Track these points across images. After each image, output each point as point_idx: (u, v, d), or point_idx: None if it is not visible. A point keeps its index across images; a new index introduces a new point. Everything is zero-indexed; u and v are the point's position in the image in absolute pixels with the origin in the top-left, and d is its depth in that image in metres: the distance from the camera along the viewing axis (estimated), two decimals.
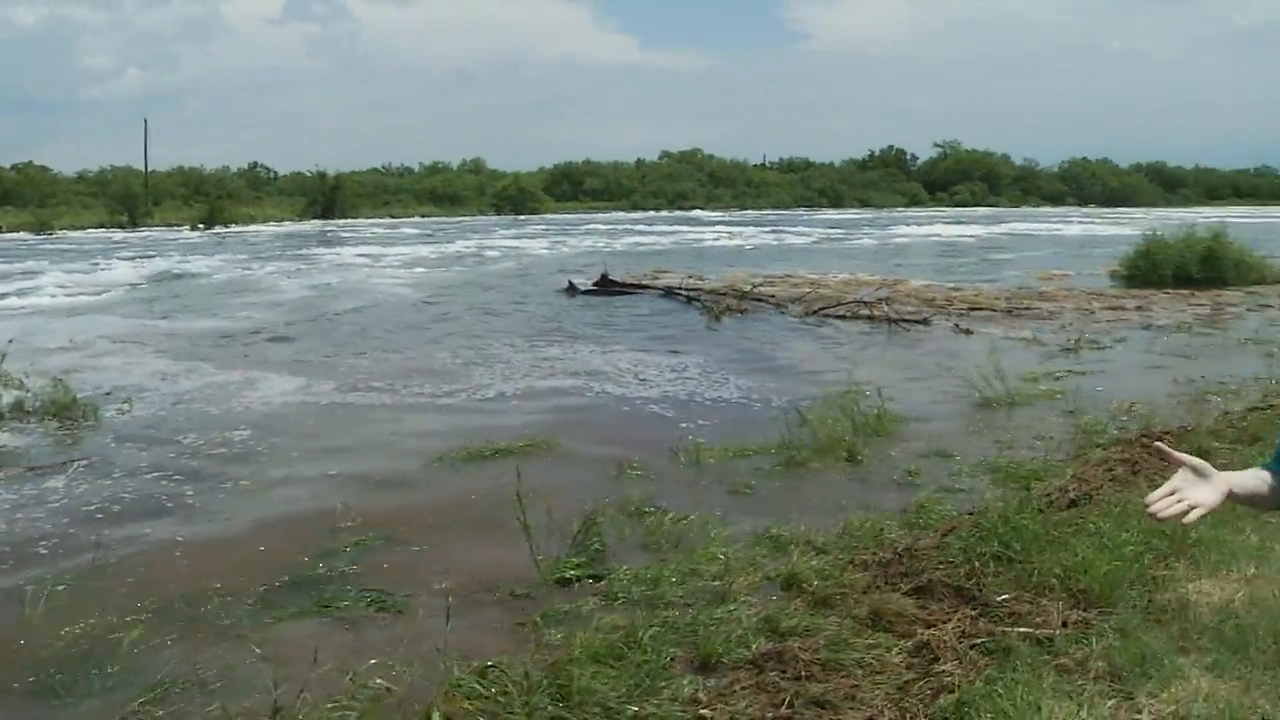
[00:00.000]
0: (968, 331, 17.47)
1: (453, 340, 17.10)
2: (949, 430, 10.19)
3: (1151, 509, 2.08)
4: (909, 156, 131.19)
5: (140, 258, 37.99)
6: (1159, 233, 27.70)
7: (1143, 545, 5.96)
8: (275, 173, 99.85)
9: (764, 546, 6.70)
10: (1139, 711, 4.22)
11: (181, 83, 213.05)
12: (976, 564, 5.78)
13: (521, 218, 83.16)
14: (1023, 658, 4.70)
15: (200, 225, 66.04)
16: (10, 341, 12.15)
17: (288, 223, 72.47)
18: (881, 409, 10.23)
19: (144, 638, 5.52)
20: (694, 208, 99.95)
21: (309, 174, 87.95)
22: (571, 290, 24.28)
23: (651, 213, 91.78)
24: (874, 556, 6.23)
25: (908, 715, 4.35)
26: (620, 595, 5.92)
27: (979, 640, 4.95)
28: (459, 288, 26.83)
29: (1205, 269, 25.52)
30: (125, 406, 11.50)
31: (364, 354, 15.55)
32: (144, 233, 60.64)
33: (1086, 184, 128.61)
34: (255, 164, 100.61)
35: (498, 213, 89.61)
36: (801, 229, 61.03)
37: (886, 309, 19.18)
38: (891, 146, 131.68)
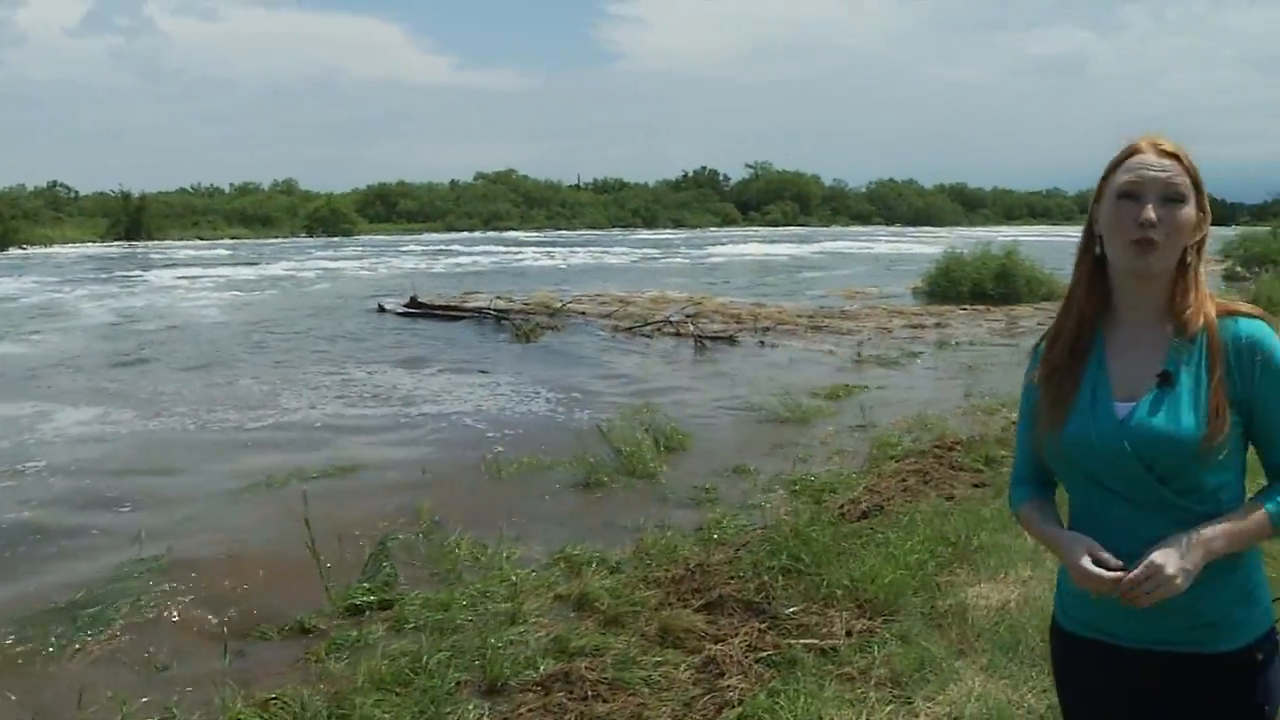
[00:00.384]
0: (773, 346, 17.85)
1: (261, 365, 16.54)
2: (747, 445, 10.33)
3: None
4: (722, 177, 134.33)
5: None
6: (958, 251, 28.90)
7: (928, 553, 6.12)
8: (76, 192, 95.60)
9: (558, 567, 6.65)
10: (916, 715, 4.31)
11: None
12: (766, 578, 5.82)
13: (336, 239, 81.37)
14: (807, 669, 4.74)
15: None
16: None
17: (90, 245, 69.28)
18: (674, 427, 10.32)
19: None
20: (508, 229, 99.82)
21: (113, 194, 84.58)
22: (382, 313, 23.82)
23: (466, 234, 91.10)
24: (667, 573, 6.21)
25: None
26: (410, 620, 5.78)
27: (765, 653, 4.97)
28: (271, 311, 26.01)
29: (1000, 285, 26.81)
30: None
31: (168, 381, 14.86)
32: None
33: (893, 204, 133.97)
34: (55, 183, 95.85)
35: (310, 234, 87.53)
36: (620, 249, 61.63)
37: (693, 326, 19.47)
38: (705, 167, 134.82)
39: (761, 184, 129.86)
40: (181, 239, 77.33)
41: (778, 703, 4.35)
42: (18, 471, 9.57)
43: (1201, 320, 2.04)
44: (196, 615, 6.18)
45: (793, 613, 5.44)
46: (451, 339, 20.00)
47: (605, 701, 4.60)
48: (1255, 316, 2.06)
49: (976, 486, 8.15)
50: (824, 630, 5.21)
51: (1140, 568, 1.96)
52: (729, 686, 4.63)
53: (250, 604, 6.27)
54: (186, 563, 6.98)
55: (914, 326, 21.28)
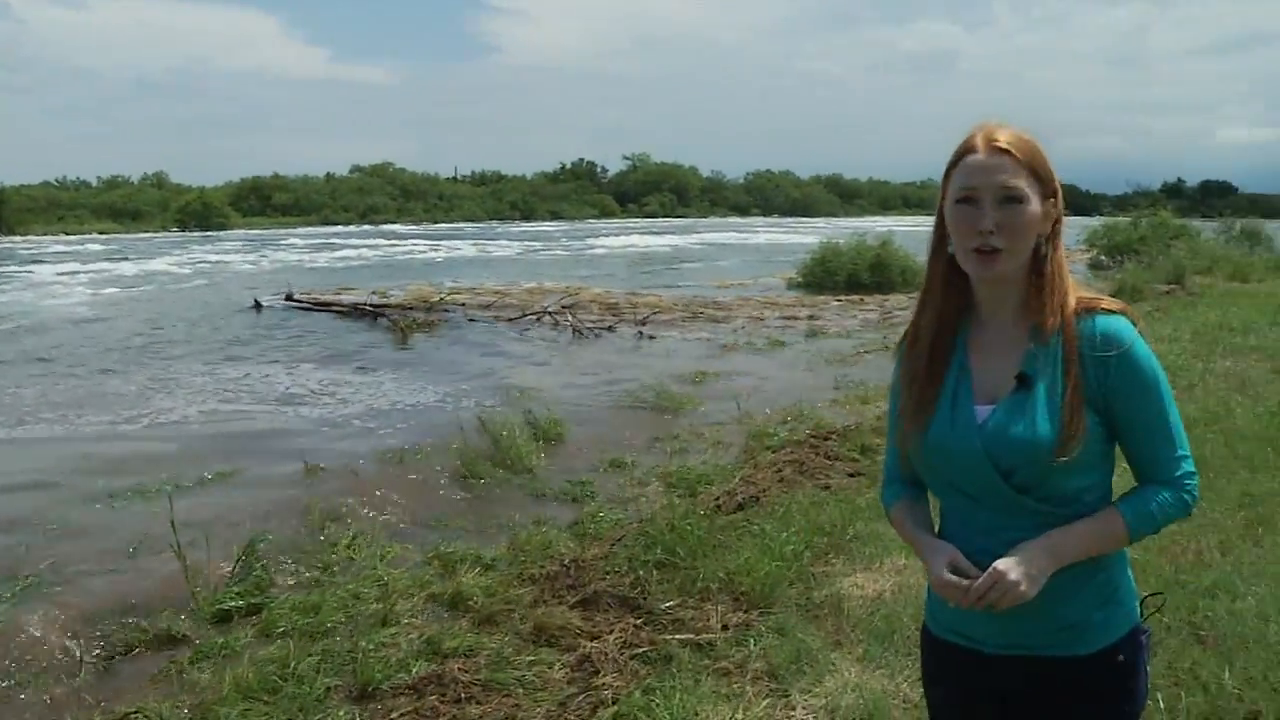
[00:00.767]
0: (650, 337, 17.91)
1: (132, 364, 15.86)
2: (624, 436, 10.32)
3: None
4: (600, 169, 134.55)
5: None
6: (834, 241, 29.27)
7: (804, 544, 6.13)
8: None
9: (432, 565, 6.52)
10: (793, 709, 4.28)
11: None
12: (642, 573, 5.78)
13: (211, 233, 78.97)
14: (683, 664, 4.70)
15: None
16: None
17: None
18: (552, 418, 10.25)
19: None
20: (385, 222, 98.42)
21: None
22: (258, 309, 23.17)
23: (341, 227, 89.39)
24: (542, 570, 6.13)
25: None
26: (280, 625, 5.59)
27: (641, 650, 4.92)
28: (141, 307, 25.03)
29: (875, 275, 27.24)
30: None
31: (31, 382, 14.13)
32: None
33: (771, 195, 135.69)
34: None
35: (182, 229, 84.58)
36: (503, 242, 61.23)
37: (571, 317, 19.45)
38: (583, 159, 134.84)
39: (639, 175, 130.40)
40: (46, 233, 74.30)
41: (653, 700, 4.29)
42: None
43: (1058, 320, 1.99)
44: (58, 632, 5.82)
45: (668, 607, 5.40)
46: (330, 334, 19.53)
47: (479, 704, 4.50)
48: (1116, 312, 2.01)
49: (852, 476, 8.19)
50: (700, 624, 5.18)
51: (984, 576, 1.93)
52: (604, 685, 4.56)
53: (117, 617, 5.96)
54: (50, 576, 6.57)
55: (787, 317, 21.49)
